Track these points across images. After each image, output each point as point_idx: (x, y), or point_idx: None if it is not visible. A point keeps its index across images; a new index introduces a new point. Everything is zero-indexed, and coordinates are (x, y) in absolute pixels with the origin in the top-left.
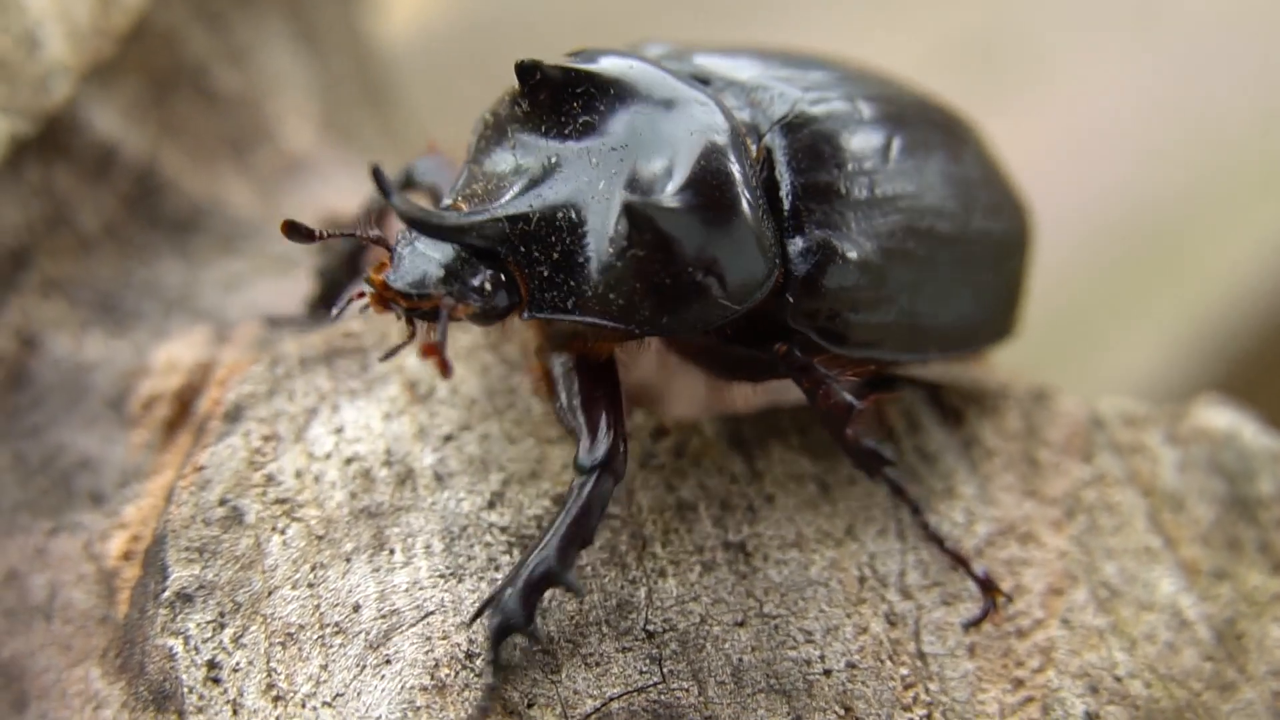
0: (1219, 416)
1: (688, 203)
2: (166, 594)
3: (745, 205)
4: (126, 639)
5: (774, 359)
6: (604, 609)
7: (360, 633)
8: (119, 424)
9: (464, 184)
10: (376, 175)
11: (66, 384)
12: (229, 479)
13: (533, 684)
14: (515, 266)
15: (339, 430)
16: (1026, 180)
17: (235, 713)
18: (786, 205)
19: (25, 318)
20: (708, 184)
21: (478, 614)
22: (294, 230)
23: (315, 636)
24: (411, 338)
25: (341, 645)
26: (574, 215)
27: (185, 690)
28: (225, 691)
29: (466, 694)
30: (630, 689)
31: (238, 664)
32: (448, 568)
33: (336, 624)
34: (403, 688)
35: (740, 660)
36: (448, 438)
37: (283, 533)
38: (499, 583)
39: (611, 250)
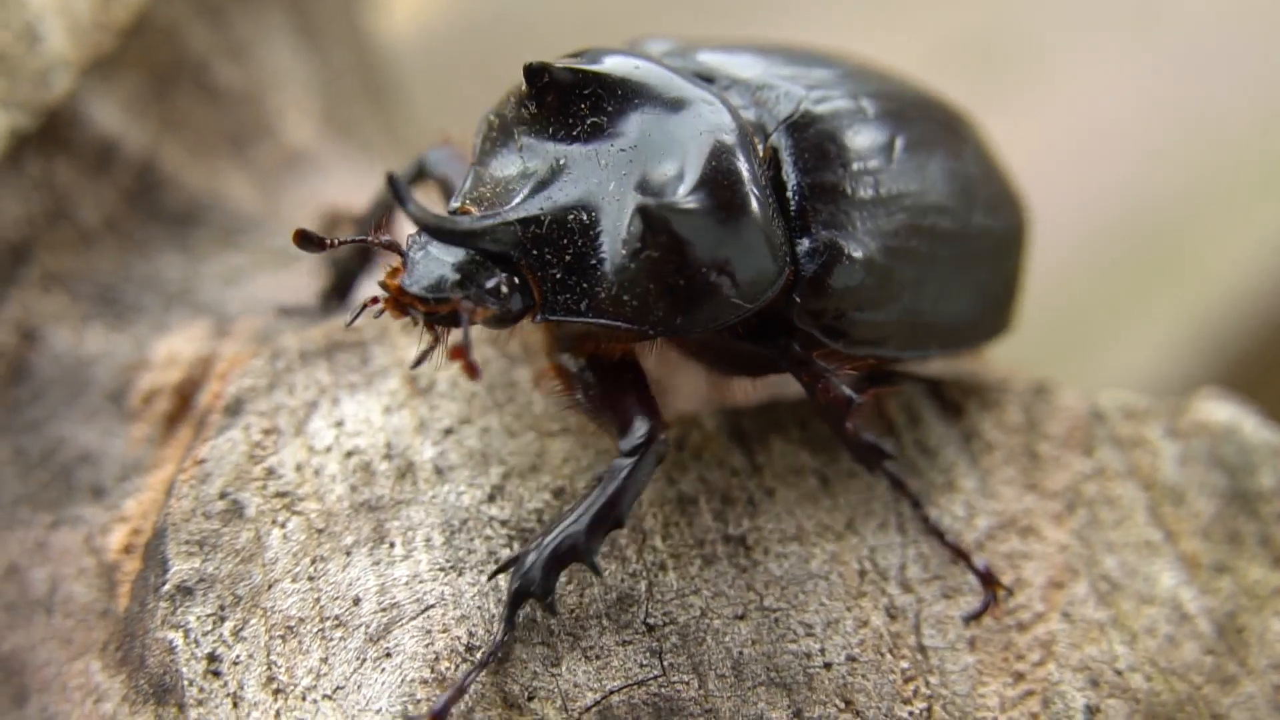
0: (1220, 410)
1: (701, 203)
2: (167, 587)
3: (756, 204)
4: (127, 632)
5: (776, 355)
6: (604, 602)
7: (360, 626)
8: (119, 418)
9: (471, 187)
10: (392, 182)
11: (67, 378)
12: (229, 472)
13: (533, 677)
14: (528, 270)
15: (339, 424)
16: (1026, 180)
17: (235, 705)
18: (794, 205)
19: (26, 311)
20: (720, 184)
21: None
22: (306, 240)
23: (315, 630)
24: (435, 343)
25: (342, 638)
26: (586, 217)
27: (185, 683)
28: (225, 684)
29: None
30: (630, 682)
31: (238, 657)
32: (448, 561)
33: (337, 617)
34: (403, 680)
35: (741, 653)
36: (448, 431)
37: (283, 526)
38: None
39: (625, 252)
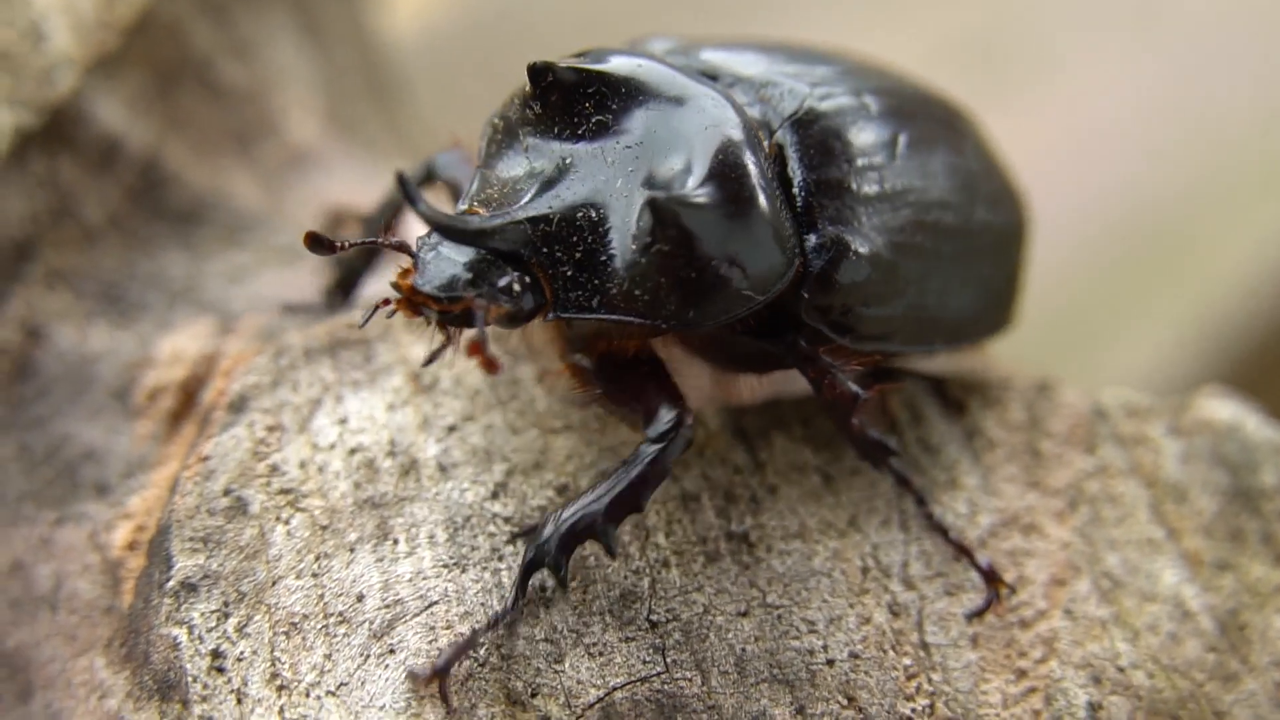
0: (1222, 408)
1: (710, 196)
2: (171, 584)
3: (764, 197)
4: (131, 629)
5: (783, 351)
6: (607, 599)
7: (364, 622)
8: (124, 415)
9: (478, 189)
10: (402, 182)
11: (71, 375)
12: (233, 469)
13: (536, 673)
14: (539, 268)
15: (343, 421)
16: (1027, 180)
17: (239, 702)
18: (800, 201)
19: (30, 309)
20: (728, 177)
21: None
22: (316, 243)
23: (319, 626)
24: (447, 343)
25: (345, 635)
26: (594, 214)
27: (189, 679)
28: (229, 681)
29: (470, 683)
30: (633, 679)
31: (242, 653)
32: (451, 558)
33: (340, 613)
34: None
35: (743, 650)
36: (451, 428)
37: (287, 523)
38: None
39: (635, 247)
